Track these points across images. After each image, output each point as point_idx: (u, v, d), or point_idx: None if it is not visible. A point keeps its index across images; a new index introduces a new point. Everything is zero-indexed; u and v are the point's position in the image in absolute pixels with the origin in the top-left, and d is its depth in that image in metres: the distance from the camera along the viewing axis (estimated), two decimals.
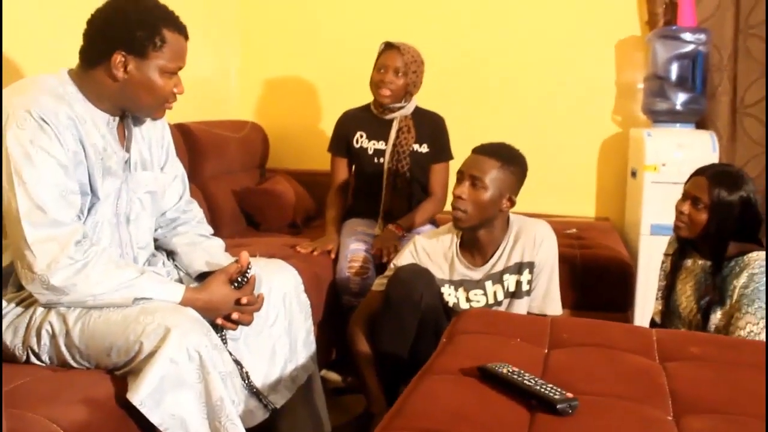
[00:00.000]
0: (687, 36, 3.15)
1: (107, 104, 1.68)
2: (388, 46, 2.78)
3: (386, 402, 2.13)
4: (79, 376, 1.55)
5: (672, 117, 3.23)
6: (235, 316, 1.72)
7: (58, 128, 1.54)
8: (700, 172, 2.05)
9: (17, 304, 1.64)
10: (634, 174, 3.29)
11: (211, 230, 2.03)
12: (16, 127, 1.50)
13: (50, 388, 1.47)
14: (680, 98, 3.20)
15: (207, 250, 1.92)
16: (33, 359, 1.62)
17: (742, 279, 1.93)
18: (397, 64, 2.73)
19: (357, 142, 2.86)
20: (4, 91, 1.59)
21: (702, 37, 3.16)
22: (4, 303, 1.64)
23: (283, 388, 1.87)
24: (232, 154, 3.37)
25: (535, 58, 3.55)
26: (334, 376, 2.70)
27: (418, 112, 2.86)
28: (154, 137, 1.86)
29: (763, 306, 1.87)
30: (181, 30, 1.68)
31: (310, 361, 1.99)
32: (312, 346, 2.01)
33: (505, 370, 1.35)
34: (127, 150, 1.75)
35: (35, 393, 1.44)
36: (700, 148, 3.04)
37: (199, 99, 3.57)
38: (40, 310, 1.61)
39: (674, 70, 3.21)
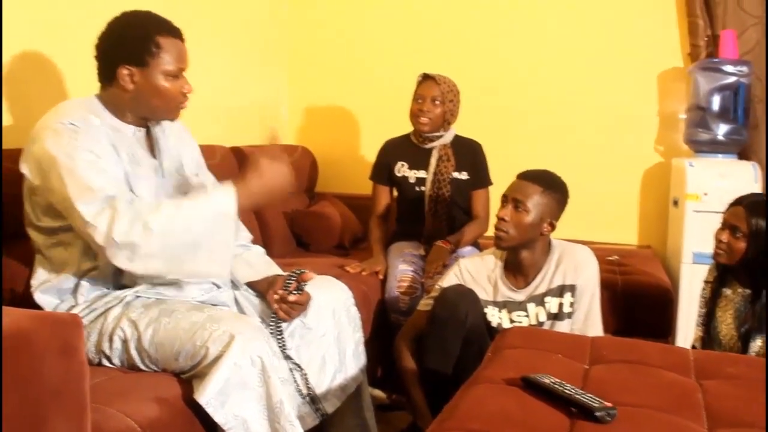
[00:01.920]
0: (729, 68, 3.16)
1: (129, 116, 1.82)
2: (425, 77, 2.88)
3: (431, 417, 2.18)
4: (148, 378, 1.65)
5: (714, 147, 3.23)
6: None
7: (90, 130, 1.68)
8: (737, 202, 2.08)
9: (88, 313, 1.75)
10: (676, 203, 3.30)
11: (250, 236, 2.13)
12: (53, 136, 1.64)
13: (123, 388, 1.58)
14: (722, 129, 3.20)
15: (248, 260, 2.02)
16: (104, 362, 1.73)
17: None
18: (434, 93, 2.82)
19: (399, 171, 2.96)
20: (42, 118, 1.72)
21: (744, 69, 3.16)
22: (77, 310, 1.75)
23: (332, 396, 1.95)
24: None
25: (580, 89, 3.61)
26: (379, 393, 2.76)
27: (457, 141, 2.94)
28: (185, 153, 1.99)
29: None
30: (174, 33, 1.79)
31: (359, 372, 2.06)
32: (361, 357, 2.08)
33: (547, 380, 1.41)
34: (154, 157, 1.87)
35: (110, 391, 1.54)
36: (742, 178, 3.03)
37: (252, 124, 3.73)
38: (111, 317, 1.72)
39: (716, 102, 3.21)
